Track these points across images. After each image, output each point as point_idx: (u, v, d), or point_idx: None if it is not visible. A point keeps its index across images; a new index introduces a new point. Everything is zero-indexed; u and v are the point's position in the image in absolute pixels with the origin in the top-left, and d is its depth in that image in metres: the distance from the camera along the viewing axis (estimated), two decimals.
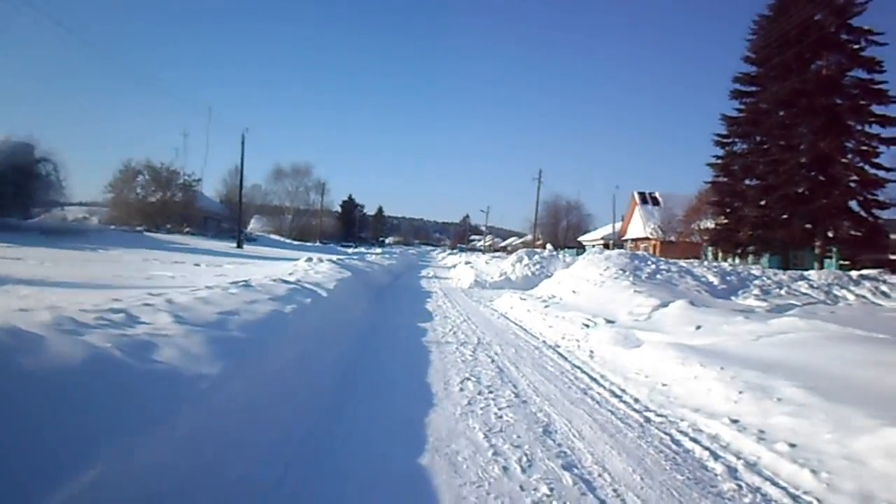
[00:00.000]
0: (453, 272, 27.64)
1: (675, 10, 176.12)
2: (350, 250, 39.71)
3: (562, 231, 64.07)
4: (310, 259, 15.45)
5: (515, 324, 9.49)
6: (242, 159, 36.16)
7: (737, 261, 22.67)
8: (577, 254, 26.22)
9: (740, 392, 4.26)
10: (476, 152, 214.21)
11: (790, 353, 5.20)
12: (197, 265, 16.54)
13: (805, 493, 2.91)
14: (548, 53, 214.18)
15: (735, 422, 3.89)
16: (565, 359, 6.49)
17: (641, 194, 47.51)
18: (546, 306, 10.33)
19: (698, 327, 6.83)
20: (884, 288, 12.38)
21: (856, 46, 20.36)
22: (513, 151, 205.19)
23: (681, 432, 3.88)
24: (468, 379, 5.22)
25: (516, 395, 4.73)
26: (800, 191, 20.21)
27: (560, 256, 21.06)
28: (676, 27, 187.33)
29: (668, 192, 47.03)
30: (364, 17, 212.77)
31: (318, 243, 52.19)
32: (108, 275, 10.29)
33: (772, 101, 21.38)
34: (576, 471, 3.17)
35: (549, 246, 22.08)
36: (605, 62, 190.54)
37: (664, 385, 4.99)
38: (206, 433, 2.87)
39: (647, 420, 4.16)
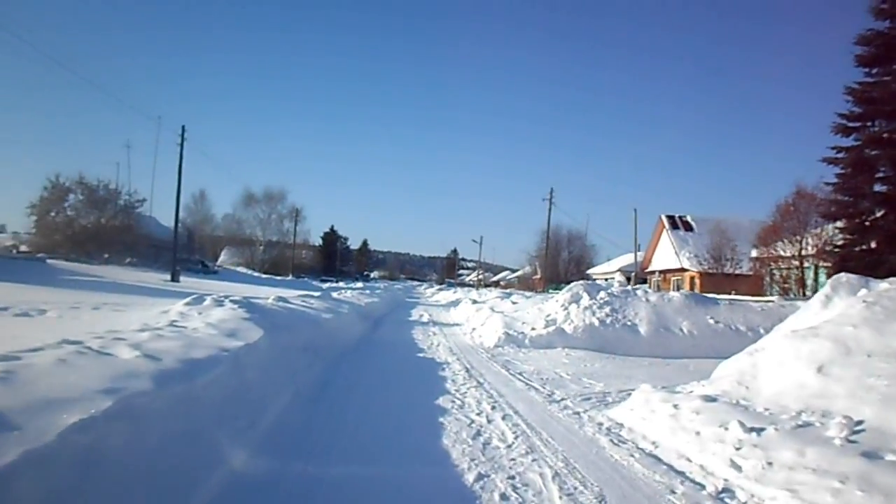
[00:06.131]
0: (455, 314, 19.96)
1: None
2: (325, 285, 31.81)
3: (563, 263, 56.56)
4: (199, 299, 7.74)
5: None
6: (181, 162, 28.60)
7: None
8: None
9: None
10: (465, 185, 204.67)
11: None
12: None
13: None
14: (544, 70, 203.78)
15: None
16: None
17: (671, 218, 39.89)
18: None
19: None
20: None
21: None
22: (504, 183, 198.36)
23: None
24: None
25: None
26: None
27: (640, 294, 13.29)
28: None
29: (700, 215, 39.99)
30: (348, 42, 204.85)
31: (290, 277, 44.12)
32: None
33: None
34: None
35: (618, 277, 14.41)
36: (610, 78, 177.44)
37: None
38: None
39: None
